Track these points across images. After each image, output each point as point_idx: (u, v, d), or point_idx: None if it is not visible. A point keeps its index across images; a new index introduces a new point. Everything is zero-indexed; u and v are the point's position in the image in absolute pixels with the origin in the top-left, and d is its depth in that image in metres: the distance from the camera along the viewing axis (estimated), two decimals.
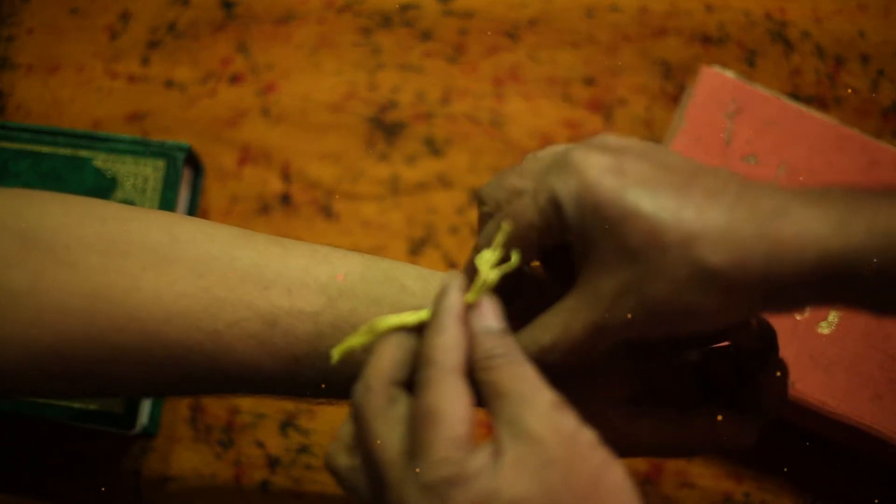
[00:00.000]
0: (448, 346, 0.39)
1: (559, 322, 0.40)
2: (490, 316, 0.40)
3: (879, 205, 0.35)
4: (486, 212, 0.42)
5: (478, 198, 0.43)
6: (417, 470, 0.37)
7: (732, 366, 0.46)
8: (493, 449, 0.37)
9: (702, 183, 0.37)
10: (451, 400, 0.37)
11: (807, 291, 0.36)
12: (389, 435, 0.38)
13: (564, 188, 0.38)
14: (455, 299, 0.39)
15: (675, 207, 0.36)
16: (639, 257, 0.37)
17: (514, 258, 0.40)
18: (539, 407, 0.37)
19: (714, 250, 0.36)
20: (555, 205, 0.38)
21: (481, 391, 0.38)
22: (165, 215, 0.49)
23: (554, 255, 0.44)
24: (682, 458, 0.45)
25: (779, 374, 0.45)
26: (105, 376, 0.47)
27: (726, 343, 0.46)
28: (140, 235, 0.47)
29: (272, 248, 0.48)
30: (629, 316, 0.38)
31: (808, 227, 0.35)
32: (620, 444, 0.43)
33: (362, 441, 0.39)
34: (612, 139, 0.39)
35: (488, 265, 0.40)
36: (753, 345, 0.45)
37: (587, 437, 0.37)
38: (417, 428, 0.37)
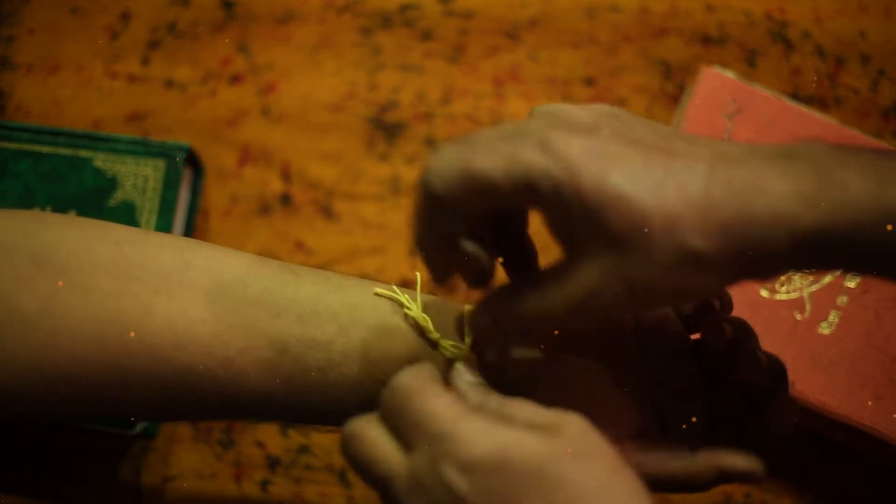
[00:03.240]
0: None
1: (545, 301, 0.40)
2: (470, 372, 0.42)
3: (846, 176, 0.36)
4: (438, 202, 0.40)
5: (424, 182, 0.40)
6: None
7: (742, 401, 0.46)
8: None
9: (677, 158, 0.37)
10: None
11: (785, 263, 0.37)
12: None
13: (544, 171, 0.37)
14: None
15: (655, 189, 0.37)
16: (623, 243, 0.37)
17: (468, 342, 0.44)
18: (545, 410, 0.39)
19: (696, 232, 0.36)
20: (530, 183, 0.38)
21: None
22: (179, 240, 0.49)
23: (507, 241, 0.44)
24: (691, 493, 0.45)
25: (787, 409, 0.45)
26: (116, 400, 0.47)
27: (736, 378, 0.46)
28: (153, 260, 0.47)
29: (284, 275, 0.47)
30: (616, 297, 0.38)
31: (781, 204, 0.36)
32: None
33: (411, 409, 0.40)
34: (577, 113, 0.39)
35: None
36: (763, 380, 0.45)
37: (598, 435, 0.38)
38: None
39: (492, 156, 0.38)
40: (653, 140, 0.38)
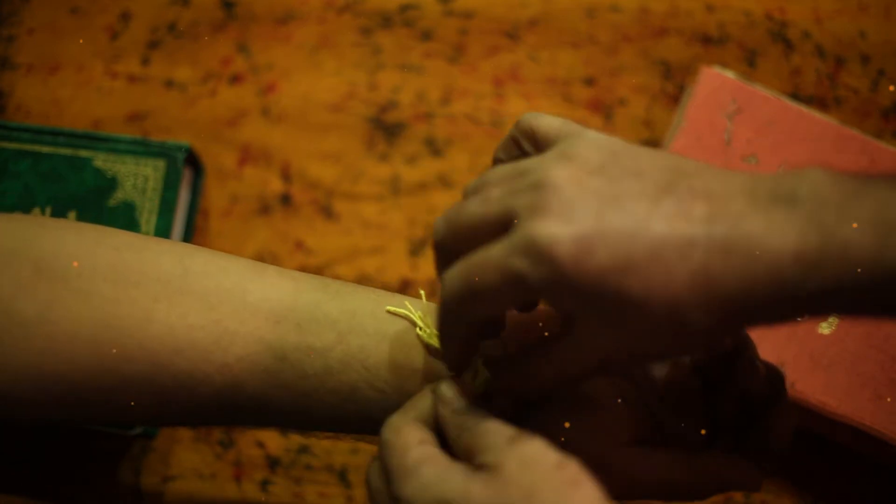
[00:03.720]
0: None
1: (550, 367, 0.41)
2: (453, 398, 0.42)
3: (848, 235, 0.35)
4: (445, 257, 0.41)
5: (435, 242, 0.42)
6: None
7: (740, 409, 0.46)
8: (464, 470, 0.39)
9: (669, 224, 0.36)
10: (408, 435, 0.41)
11: (785, 318, 0.37)
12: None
13: (535, 274, 0.37)
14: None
15: (650, 273, 0.36)
16: (623, 324, 0.37)
17: (482, 375, 0.43)
18: (498, 442, 0.39)
19: (696, 311, 0.36)
20: (525, 286, 0.37)
21: (462, 457, 0.41)
22: (178, 245, 0.49)
23: None
24: (689, 502, 0.45)
25: (786, 417, 0.45)
26: (116, 405, 0.47)
27: (735, 386, 0.46)
28: (152, 266, 0.47)
29: (283, 282, 0.47)
30: (616, 366, 0.39)
31: (782, 270, 0.35)
32: (627, 486, 0.44)
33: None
34: (561, 181, 0.37)
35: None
36: (762, 389, 0.45)
37: (551, 458, 0.38)
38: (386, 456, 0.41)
39: (486, 271, 0.38)
40: (642, 203, 0.37)
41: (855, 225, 0.35)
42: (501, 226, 0.38)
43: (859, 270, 0.35)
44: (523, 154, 0.43)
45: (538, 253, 0.36)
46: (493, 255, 0.38)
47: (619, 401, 0.45)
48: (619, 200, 0.37)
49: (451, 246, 0.41)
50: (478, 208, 0.40)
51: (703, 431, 0.46)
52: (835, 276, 0.35)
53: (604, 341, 0.38)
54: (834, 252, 0.35)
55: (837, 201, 0.36)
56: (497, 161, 0.44)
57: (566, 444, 0.44)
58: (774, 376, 0.46)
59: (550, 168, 0.38)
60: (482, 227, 0.39)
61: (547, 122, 0.42)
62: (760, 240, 0.36)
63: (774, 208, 0.36)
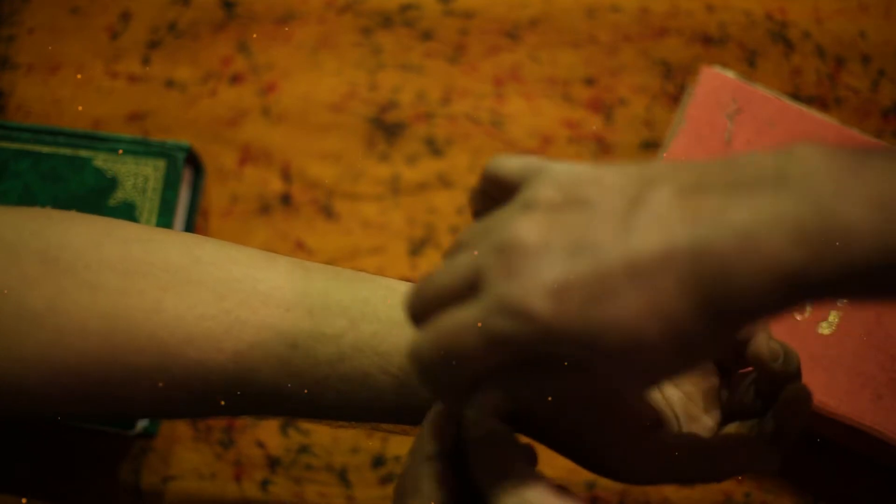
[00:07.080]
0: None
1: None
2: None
3: (849, 214, 0.32)
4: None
5: (408, 314, 0.40)
6: None
7: (755, 392, 0.46)
8: None
9: (646, 239, 0.34)
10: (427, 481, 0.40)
11: (791, 307, 0.35)
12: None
13: (519, 332, 0.35)
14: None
15: (642, 297, 0.34)
16: (625, 355, 0.35)
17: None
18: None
19: (695, 322, 0.34)
20: (512, 345, 0.36)
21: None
22: (187, 236, 0.49)
23: None
24: (704, 484, 0.44)
25: (802, 400, 0.45)
26: (126, 397, 0.46)
27: (750, 369, 0.46)
28: (161, 257, 0.46)
29: (294, 271, 0.47)
30: (635, 386, 0.39)
31: (780, 257, 0.33)
32: (642, 472, 0.43)
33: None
34: (523, 232, 0.36)
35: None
36: (777, 371, 0.45)
37: None
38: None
39: (462, 334, 0.36)
40: (612, 226, 0.35)
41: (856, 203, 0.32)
42: (470, 289, 0.37)
43: (864, 255, 0.32)
44: (495, 202, 0.41)
45: (514, 311, 0.35)
46: (468, 318, 0.36)
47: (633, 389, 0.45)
48: (588, 231, 0.35)
49: (421, 317, 0.39)
50: (445, 278, 0.39)
51: (706, 413, 0.46)
52: (839, 264, 0.32)
53: (616, 373, 0.36)
54: (836, 234, 0.32)
55: (834, 177, 0.33)
56: (474, 212, 0.43)
57: (584, 430, 0.44)
58: (789, 358, 0.45)
59: (512, 222, 0.36)
60: (451, 295, 0.38)
61: (508, 166, 0.40)
62: (748, 229, 0.33)
63: (760, 192, 0.33)
